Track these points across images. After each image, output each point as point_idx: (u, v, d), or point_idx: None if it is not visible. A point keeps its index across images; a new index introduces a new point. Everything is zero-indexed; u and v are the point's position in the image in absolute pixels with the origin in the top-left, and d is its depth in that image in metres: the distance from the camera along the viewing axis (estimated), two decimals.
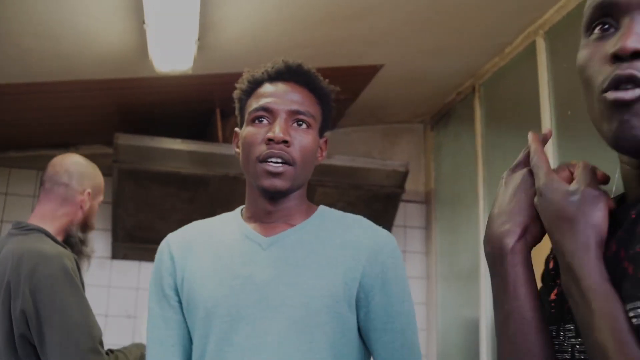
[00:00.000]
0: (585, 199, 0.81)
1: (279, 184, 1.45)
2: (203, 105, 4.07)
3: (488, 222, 0.93)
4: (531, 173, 0.93)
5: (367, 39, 3.34)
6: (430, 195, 4.55)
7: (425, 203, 4.60)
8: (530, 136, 0.95)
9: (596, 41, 0.85)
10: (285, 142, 1.45)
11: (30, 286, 2.04)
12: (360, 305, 1.46)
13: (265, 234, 1.50)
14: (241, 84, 1.60)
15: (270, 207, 1.52)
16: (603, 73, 0.81)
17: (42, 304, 2.03)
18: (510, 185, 0.94)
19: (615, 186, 0.94)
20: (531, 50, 3.30)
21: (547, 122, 3.07)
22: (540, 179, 0.88)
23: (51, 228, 2.28)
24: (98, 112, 4.12)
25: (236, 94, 1.62)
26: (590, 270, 0.78)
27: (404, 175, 3.98)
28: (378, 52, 3.53)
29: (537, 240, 0.90)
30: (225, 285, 1.44)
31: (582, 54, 0.87)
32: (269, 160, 1.45)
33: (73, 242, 2.35)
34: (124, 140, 3.63)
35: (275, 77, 1.55)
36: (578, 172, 0.86)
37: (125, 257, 4.25)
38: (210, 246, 1.53)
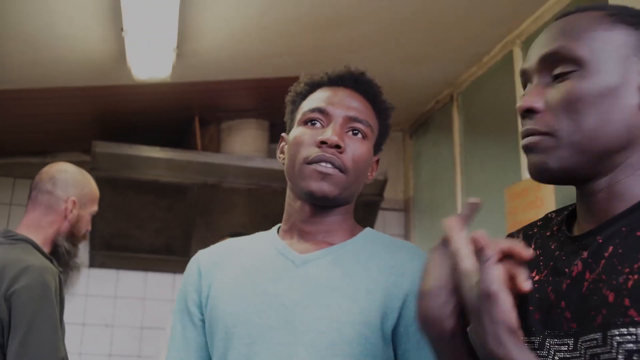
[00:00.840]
0: (483, 296, 0.81)
1: (327, 188, 1.30)
2: (182, 113, 4.06)
3: (421, 296, 0.91)
4: None
5: (347, 48, 3.35)
6: (409, 203, 4.56)
7: (404, 211, 4.62)
8: (445, 224, 0.93)
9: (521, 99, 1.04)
10: (338, 147, 1.31)
11: (6, 295, 2.00)
12: (399, 341, 1.26)
13: (300, 251, 1.35)
14: (297, 86, 1.46)
15: (311, 219, 1.36)
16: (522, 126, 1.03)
17: (13, 314, 1.99)
18: (442, 262, 0.91)
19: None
20: (508, 59, 3.33)
21: None
22: (457, 269, 0.88)
23: (37, 238, 2.23)
24: (76, 120, 4.09)
25: (290, 96, 1.46)
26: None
27: (383, 183, 3.99)
28: (357, 61, 3.51)
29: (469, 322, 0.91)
30: (249, 303, 1.29)
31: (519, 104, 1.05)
32: (320, 161, 1.30)
33: (60, 253, 2.28)
34: (102, 148, 3.61)
35: (335, 81, 1.42)
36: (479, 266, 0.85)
37: (102, 265, 4.22)
38: (239, 262, 1.39)
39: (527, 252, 0.84)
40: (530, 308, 0.99)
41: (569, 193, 1.06)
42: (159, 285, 4.31)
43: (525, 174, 3.03)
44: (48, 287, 2.05)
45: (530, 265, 1.04)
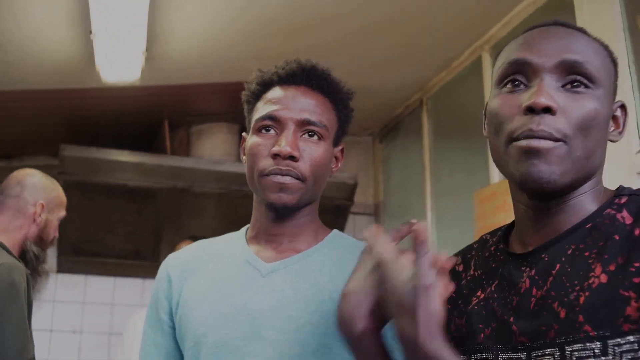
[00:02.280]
0: (419, 289, 0.85)
1: (286, 198, 1.29)
2: (151, 117, 4.03)
3: (341, 298, 0.97)
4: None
5: (317, 52, 3.35)
6: (379, 207, 4.58)
7: (374, 215, 4.63)
8: (368, 233, 0.99)
9: (507, 94, 1.02)
10: (292, 157, 1.28)
11: None
12: None
13: (267, 259, 1.34)
14: (249, 85, 1.43)
15: (276, 224, 1.36)
16: (515, 122, 0.98)
17: None
18: (366, 266, 0.97)
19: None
20: (477, 64, 3.36)
21: None
22: (382, 267, 0.93)
23: (6, 242, 2.21)
24: (43, 123, 4.04)
25: (244, 95, 1.45)
26: (441, 357, 0.84)
27: (353, 187, 4.00)
28: (327, 65, 3.53)
29: (384, 323, 0.95)
30: (218, 313, 1.29)
31: (495, 103, 1.03)
32: (275, 175, 1.29)
33: (28, 258, 2.27)
34: (70, 151, 3.57)
35: (286, 79, 1.37)
36: (416, 259, 0.90)
37: (70, 270, 4.17)
38: (209, 269, 1.38)
39: (450, 261, 0.91)
40: (480, 326, 1.03)
41: None
42: (128, 291, 4.27)
43: (494, 178, 3.06)
44: (16, 285, 2.03)
45: (474, 285, 1.10)
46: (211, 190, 3.78)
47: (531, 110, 0.96)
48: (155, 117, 4.04)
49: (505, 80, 1.03)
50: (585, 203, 1.01)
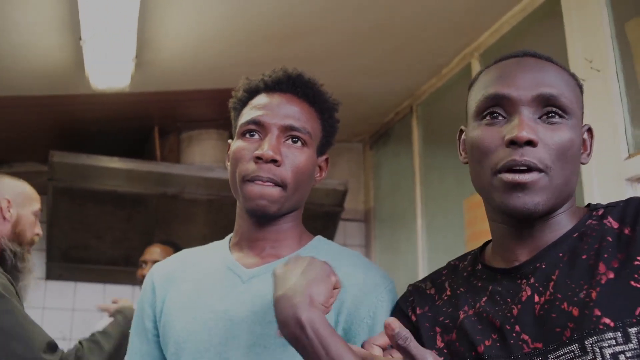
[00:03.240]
0: None
1: (265, 205, 1.29)
2: (141, 123, 4.03)
3: (278, 304, 1.03)
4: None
5: (306, 59, 3.36)
6: (370, 214, 4.58)
7: (365, 221, 4.63)
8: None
9: (487, 126, 1.08)
10: (274, 161, 1.28)
11: None
12: None
13: (248, 265, 1.34)
14: (236, 92, 1.44)
15: (257, 230, 1.36)
16: (499, 155, 1.05)
17: None
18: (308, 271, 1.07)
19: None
20: (467, 71, 3.37)
21: None
22: None
23: None
24: (33, 129, 4.03)
25: (231, 102, 1.45)
26: None
27: (343, 193, 4.00)
28: (317, 72, 3.52)
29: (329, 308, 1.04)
30: (199, 320, 1.30)
31: (476, 134, 1.10)
32: (256, 180, 1.29)
33: (6, 256, 2.24)
34: (60, 157, 3.56)
35: (272, 86, 1.39)
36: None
37: (60, 277, 4.15)
38: (191, 277, 1.39)
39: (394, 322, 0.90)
40: (478, 337, 1.07)
41: None
42: (118, 297, 4.25)
43: None
44: (6, 286, 2.03)
45: (457, 302, 1.15)
46: (201, 196, 3.77)
47: (514, 143, 1.03)
48: (145, 123, 4.03)
49: (484, 113, 1.10)
50: (565, 220, 1.09)
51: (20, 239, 2.31)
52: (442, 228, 3.57)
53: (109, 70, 3.19)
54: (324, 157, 1.43)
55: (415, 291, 1.24)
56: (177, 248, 3.40)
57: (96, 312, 4.22)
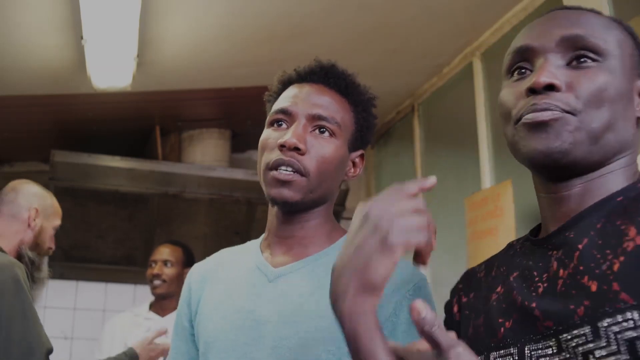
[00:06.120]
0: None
1: (287, 194, 1.25)
2: (142, 122, 4.03)
3: (331, 278, 0.87)
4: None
5: (307, 59, 3.35)
6: None
7: None
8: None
9: (515, 82, 1.00)
10: (297, 149, 1.25)
11: None
12: None
13: (276, 264, 1.31)
14: (272, 85, 1.41)
15: (284, 225, 1.32)
16: (518, 106, 0.96)
17: None
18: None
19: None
20: (468, 71, 3.37)
21: (484, 140, 3.13)
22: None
23: (4, 247, 2.23)
24: (34, 129, 4.04)
25: (266, 95, 1.42)
26: None
27: (345, 193, 4.01)
28: None
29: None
30: (227, 320, 1.28)
31: (503, 93, 1.02)
32: (278, 167, 1.25)
33: (24, 263, 2.25)
34: (61, 157, 3.57)
35: (304, 77, 1.36)
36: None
37: (62, 276, 4.15)
38: (224, 277, 1.38)
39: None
40: (500, 320, 0.97)
41: (528, 201, 1.07)
42: (119, 297, 4.26)
43: (485, 184, 3.07)
44: (19, 280, 2.03)
45: (494, 283, 1.04)
46: (202, 195, 3.78)
47: (533, 91, 0.93)
48: (146, 122, 4.04)
49: (512, 70, 1.01)
50: (614, 181, 0.95)
51: (38, 249, 2.36)
52: (443, 227, 3.57)
53: (111, 70, 3.19)
54: (358, 153, 1.38)
55: (466, 277, 1.15)
56: (186, 248, 3.41)
57: (97, 311, 4.23)
